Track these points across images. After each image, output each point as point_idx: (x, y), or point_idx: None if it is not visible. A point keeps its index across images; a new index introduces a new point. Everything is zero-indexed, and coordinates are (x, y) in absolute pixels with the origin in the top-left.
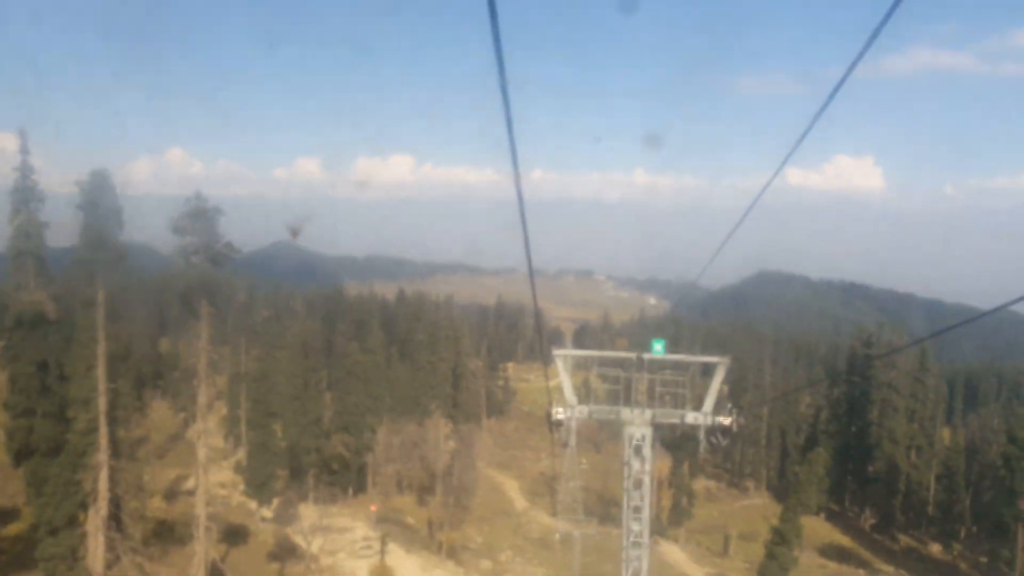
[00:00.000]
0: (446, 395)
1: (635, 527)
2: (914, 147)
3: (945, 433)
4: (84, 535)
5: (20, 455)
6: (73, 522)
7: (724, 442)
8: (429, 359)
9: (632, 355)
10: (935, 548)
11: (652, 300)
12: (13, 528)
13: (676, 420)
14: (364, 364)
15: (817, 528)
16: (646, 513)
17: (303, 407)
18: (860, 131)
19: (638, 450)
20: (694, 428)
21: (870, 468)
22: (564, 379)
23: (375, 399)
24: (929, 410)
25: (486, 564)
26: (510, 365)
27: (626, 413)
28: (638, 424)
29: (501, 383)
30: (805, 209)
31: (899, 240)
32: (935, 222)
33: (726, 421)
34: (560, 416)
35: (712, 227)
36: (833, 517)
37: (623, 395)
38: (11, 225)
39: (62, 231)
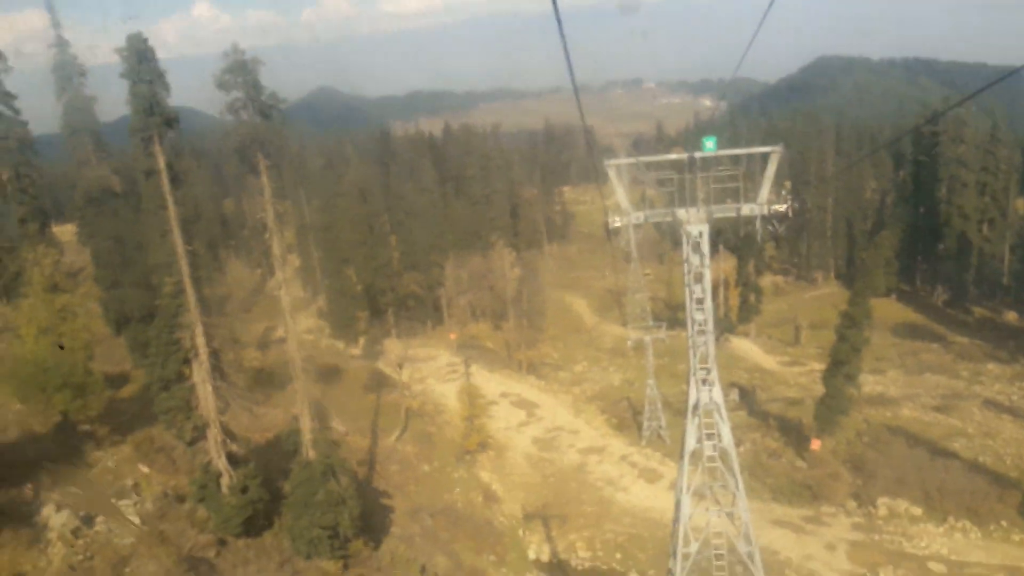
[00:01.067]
0: (505, 225)
1: (699, 316)
2: None
3: (1019, 204)
4: (192, 387)
5: (119, 324)
6: (181, 377)
7: (781, 229)
8: (484, 192)
9: (684, 156)
10: (1010, 316)
11: (706, 102)
12: (126, 390)
13: (732, 214)
14: (422, 204)
15: (888, 309)
16: (708, 303)
17: (371, 251)
18: None
19: (696, 247)
20: (751, 219)
21: (940, 246)
22: (618, 189)
23: (438, 236)
24: (1001, 182)
25: (564, 375)
26: (565, 189)
27: (682, 213)
28: (694, 222)
29: (558, 208)
30: None
31: (966, 4)
32: None
33: (781, 208)
34: (617, 223)
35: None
36: (904, 297)
37: (677, 196)
38: (60, 103)
39: (108, 104)
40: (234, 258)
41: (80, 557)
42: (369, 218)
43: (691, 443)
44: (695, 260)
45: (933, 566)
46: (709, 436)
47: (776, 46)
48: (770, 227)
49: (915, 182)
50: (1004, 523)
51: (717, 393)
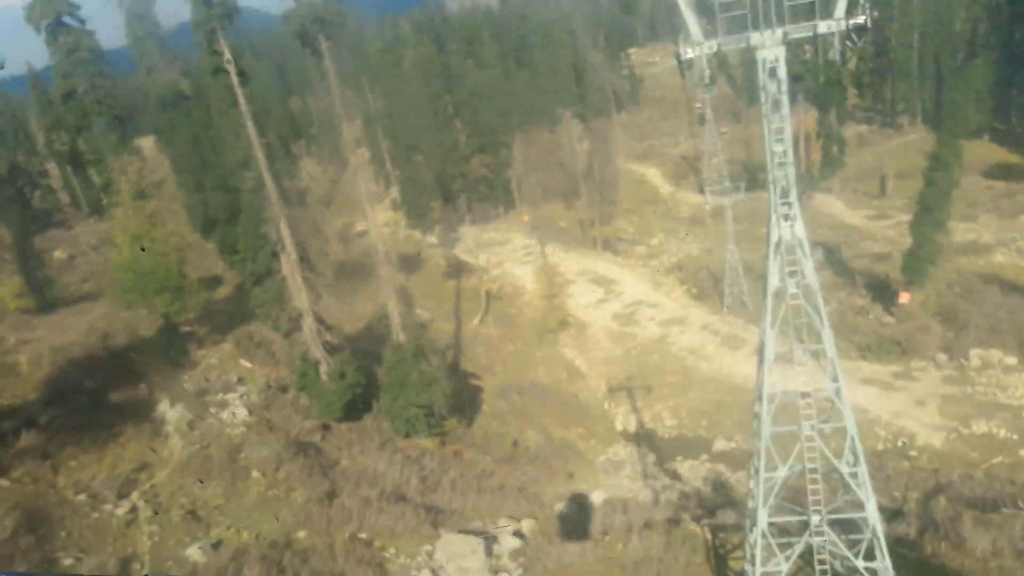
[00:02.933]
0: (571, 95)
1: (778, 148)
2: None
3: None
4: (284, 279)
5: (205, 228)
6: (271, 271)
7: (860, 43)
8: (546, 62)
9: None
10: None
11: None
12: (221, 292)
13: (808, 32)
14: (483, 81)
15: (981, 150)
16: (787, 132)
17: (438, 137)
18: None
19: (772, 73)
20: (829, 39)
21: None
22: (687, 15)
23: (503, 115)
24: None
25: (641, 249)
26: (632, 51)
27: (755, 37)
28: (769, 45)
29: (625, 72)
30: None
31: None
32: None
33: (860, 20)
34: (689, 54)
35: None
36: (999, 137)
37: (751, 18)
38: (121, 10)
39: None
40: (305, 156)
41: (197, 447)
42: (432, 101)
43: (774, 282)
44: (772, 87)
45: None
46: (792, 274)
47: None
48: (850, 43)
49: (1010, 4)
50: None
51: (799, 228)
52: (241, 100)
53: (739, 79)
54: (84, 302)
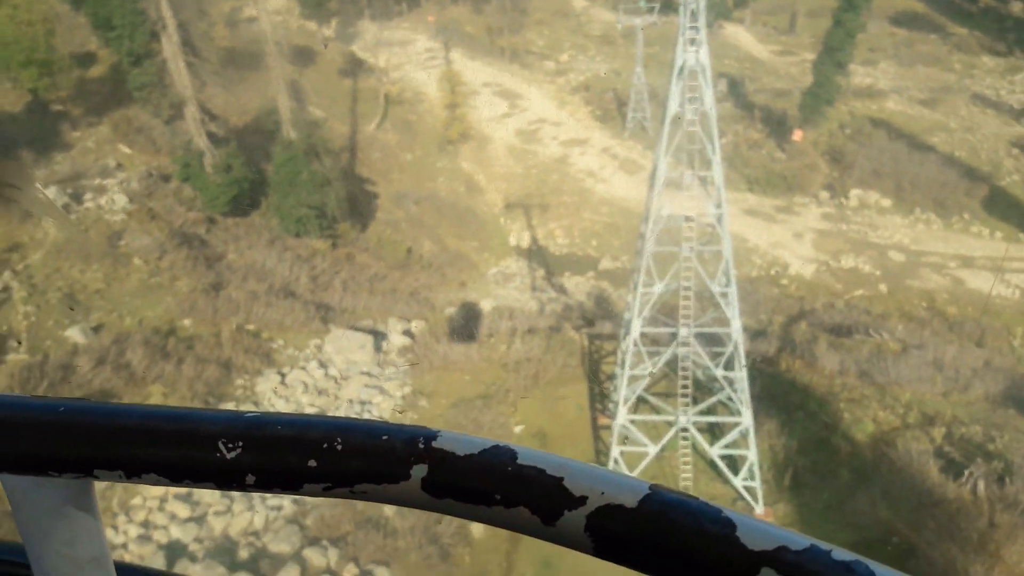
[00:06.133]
0: None
1: None
2: None
3: None
4: (164, 62)
5: None
6: (151, 52)
7: None
8: None
9: None
10: (1016, 7)
11: None
12: (95, 71)
13: None
14: None
15: None
16: None
17: None
18: None
19: None
20: None
21: None
22: None
23: None
24: None
25: (549, 65)
26: None
27: None
28: None
29: None
30: None
31: None
32: None
33: None
34: None
35: None
36: None
37: None
38: None
39: None
40: None
41: (73, 230)
42: None
43: (673, 107)
44: None
45: (892, 255)
46: (692, 100)
47: None
48: None
49: None
50: (967, 215)
51: (704, 55)
52: None
53: None
54: None
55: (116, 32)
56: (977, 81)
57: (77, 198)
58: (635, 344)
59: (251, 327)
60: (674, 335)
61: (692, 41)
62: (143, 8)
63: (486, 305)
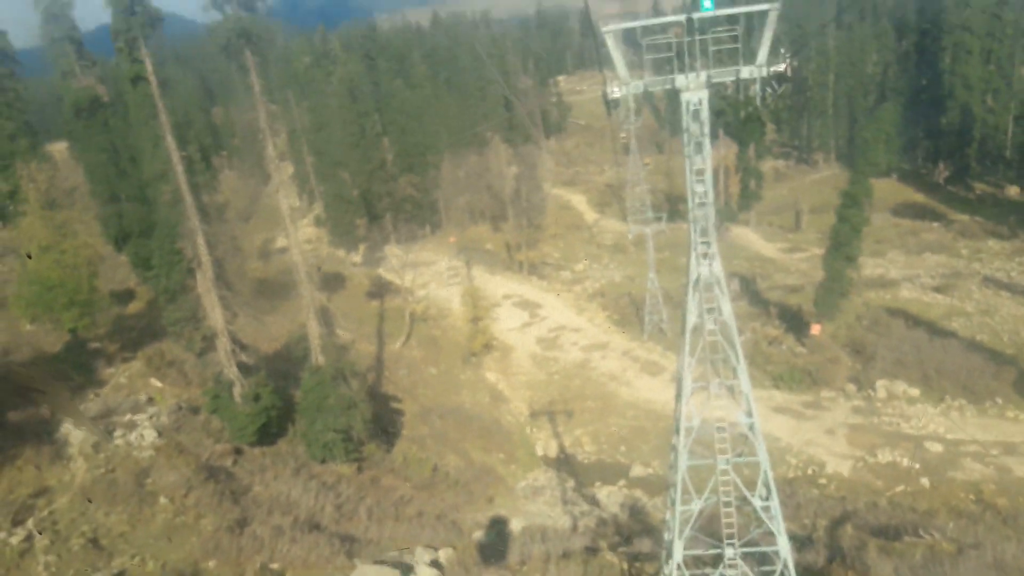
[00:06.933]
0: (500, 120)
1: (699, 188)
2: None
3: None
4: (198, 297)
5: (119, 241)
6: (186, 288)
7: (780, 90)
8: (476, 84)
9: (682, 18)
10: (1012, 191)
11: None
12: (133, 307)
13: (731, 77)
14: (413, 101)
15: (889, 189)
16: (708, 174)
17: (364, 154)
18: None
19: (696, 115)
20: (750, 84)
21: (943, 120)
22: (616, 56)
23: (431, 136)
24: (1007, 48)
25: (566, 274)
26: (560, 79)
27: (680, 79)
28: (694, 88)
29: (554, 99)
30: None
31: None
32: None
33: (781, 67)
34: (616, 93)
35: None
36: (906, 177)
37: (676, 62)
38: (37, 11)
39: (87, 12)
40: (227, 169)
41: (102, 470)
42: (360, 118)
43: (692, 319)
44: (695, 128)
45: (929, 445)
46: (710, 311)
47: None
48: (770, 89)
49: (918, 51)
50: (999, 400)
51: (717, 267)
52: (161, 111)
53: (663, 111)
54: None
55: (154, 271)
56: (986, 264)
57: (107, 436)
58: (678, 568)
59: (275, 566)
60: (719, 556)
61: (705, 255)
62: (181, 247)
63: (516, 525)
